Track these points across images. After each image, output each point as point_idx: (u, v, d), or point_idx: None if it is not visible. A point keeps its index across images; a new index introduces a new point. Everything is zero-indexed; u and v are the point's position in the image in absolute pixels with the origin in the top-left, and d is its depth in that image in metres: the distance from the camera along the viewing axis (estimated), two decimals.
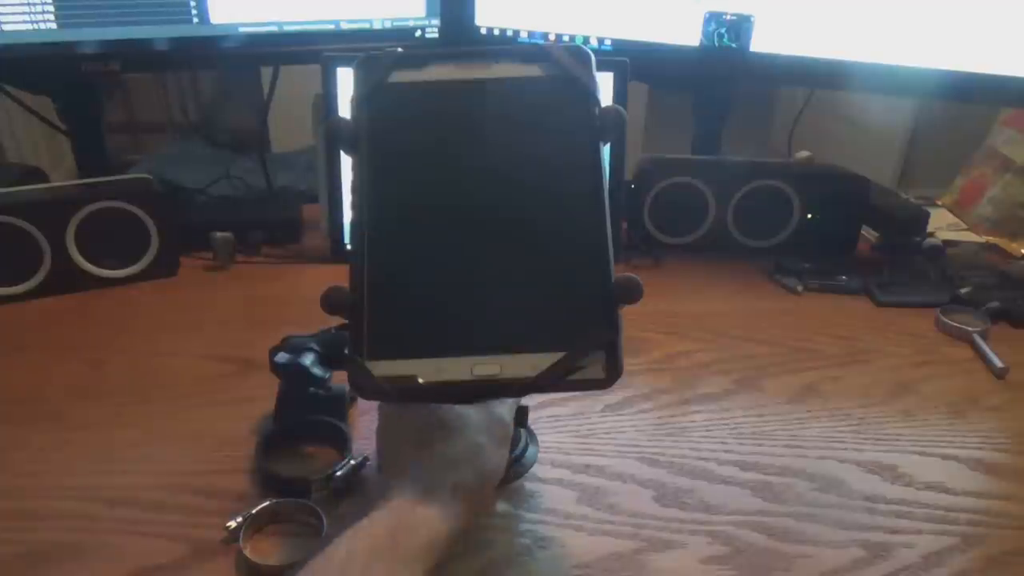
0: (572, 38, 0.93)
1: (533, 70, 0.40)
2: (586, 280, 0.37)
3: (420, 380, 0.36)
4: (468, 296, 0.37)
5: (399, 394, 0.36)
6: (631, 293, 0.36)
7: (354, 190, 0.39)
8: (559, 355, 0.35)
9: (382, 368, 0.36)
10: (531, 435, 0.54)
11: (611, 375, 0.35)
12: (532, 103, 0.40)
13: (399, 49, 0.41)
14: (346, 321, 0.37)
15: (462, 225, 0.38)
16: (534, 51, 0.40)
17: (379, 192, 0.39)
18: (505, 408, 0.42)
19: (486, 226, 0.38)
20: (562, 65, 0.40)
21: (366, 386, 0.36)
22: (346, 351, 0.36)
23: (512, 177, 0.39)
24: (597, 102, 0.39)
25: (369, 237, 0.38)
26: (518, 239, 0.38)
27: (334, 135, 0.39)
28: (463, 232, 0.38)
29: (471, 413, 0.41)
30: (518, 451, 0.51)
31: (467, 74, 0.40)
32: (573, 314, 0.37)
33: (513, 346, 0.36)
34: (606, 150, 0.39)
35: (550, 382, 0.35)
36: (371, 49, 0.41)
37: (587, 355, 0.35)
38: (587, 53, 0.40)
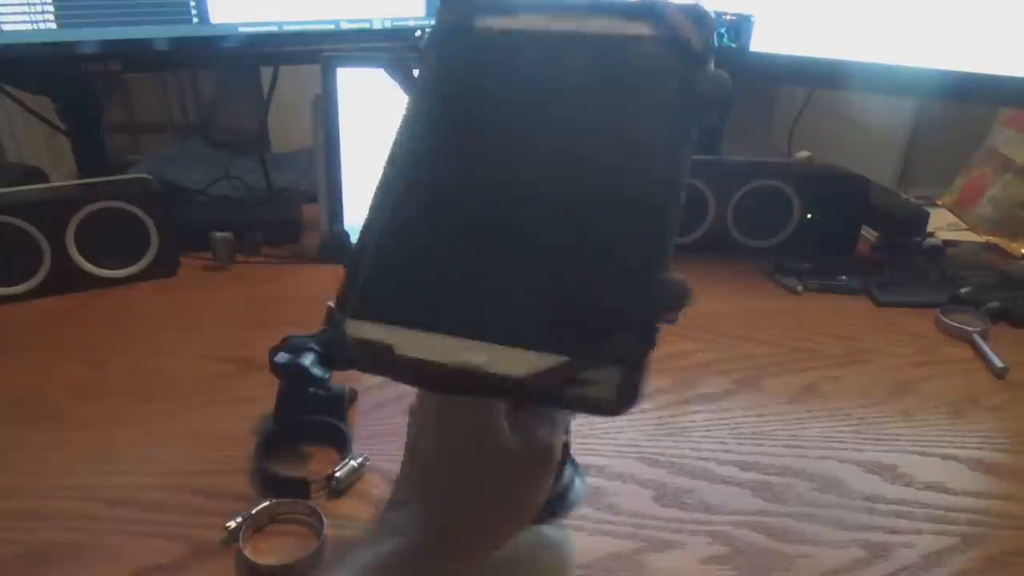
0: None
1: (637, 28, 0.34)
2: (629, 275, 0.30)
3: (397, 352, 0.30)
4: (485, 271, 0.32)
5: (371, 365, 0.32)
6: (680, 298, 0.29)
7: (400, 130, 0.34)
8: (563, 359, 0.28)
9: (362, 330, 0.31)
10: (576, 468, 0.44)
11: (624, 400, 0.28)
12: (628, 67, 0.34)
13: None
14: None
15: (500, 188, 0.33)
16: (643, 7, 0.34)
17: (423, 139, 0.34)
18: (549, 434, 0.35)
19: (527, 194, 0.32)
20: (675, 27, 0.33)
21: (341, 350, 0.31)
22: (332, 303, 0.32)
23: (578, 145, 0.33)
24: (704, 70, 0.33)
25: (397, 181, 0.33)
26: (561, 213, 0.32)
27: (399, 70, 0.35)
28: (499, 196, 0.33)
29: (511, 440, 0.34)
30: (564, 486, 0.43)
31: (558, 25, 0.34)
32: (599, 313, 0.30)
33: (514, 336, 0.29)
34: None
35: (544, 390, 0.29)
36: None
37: (598, 367, 0.28)
38: (709, 18, 0.33)
